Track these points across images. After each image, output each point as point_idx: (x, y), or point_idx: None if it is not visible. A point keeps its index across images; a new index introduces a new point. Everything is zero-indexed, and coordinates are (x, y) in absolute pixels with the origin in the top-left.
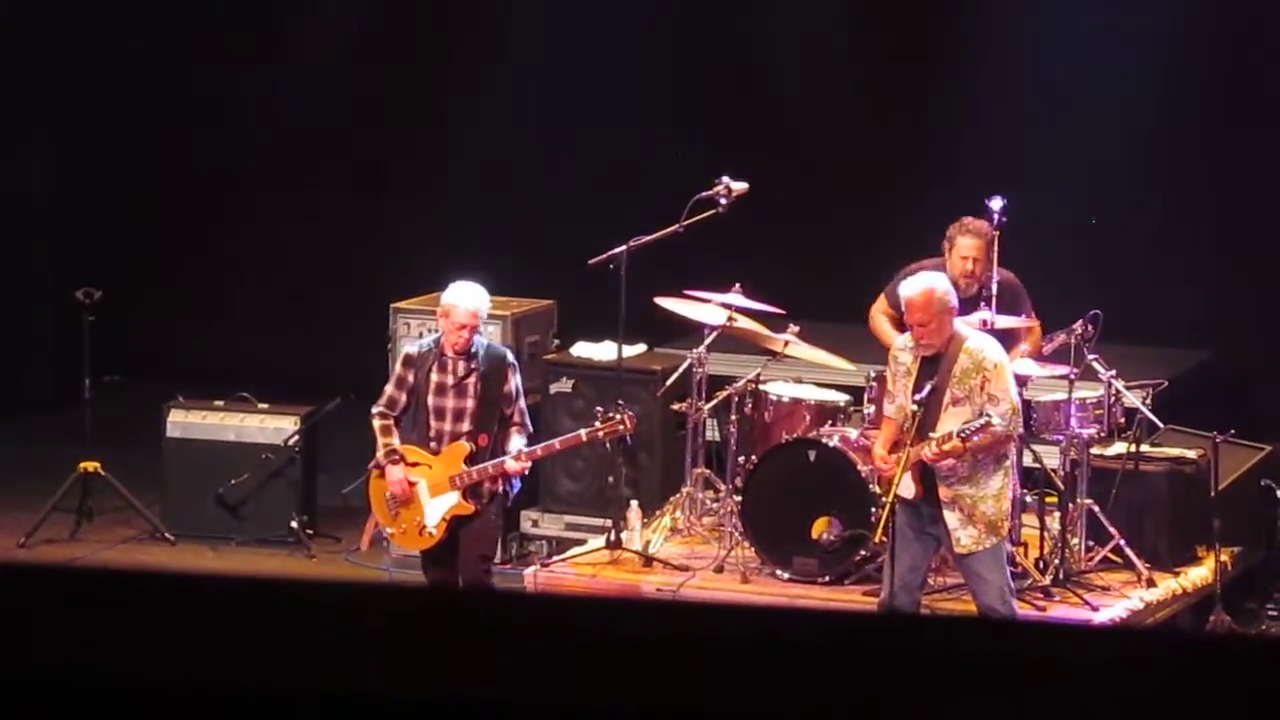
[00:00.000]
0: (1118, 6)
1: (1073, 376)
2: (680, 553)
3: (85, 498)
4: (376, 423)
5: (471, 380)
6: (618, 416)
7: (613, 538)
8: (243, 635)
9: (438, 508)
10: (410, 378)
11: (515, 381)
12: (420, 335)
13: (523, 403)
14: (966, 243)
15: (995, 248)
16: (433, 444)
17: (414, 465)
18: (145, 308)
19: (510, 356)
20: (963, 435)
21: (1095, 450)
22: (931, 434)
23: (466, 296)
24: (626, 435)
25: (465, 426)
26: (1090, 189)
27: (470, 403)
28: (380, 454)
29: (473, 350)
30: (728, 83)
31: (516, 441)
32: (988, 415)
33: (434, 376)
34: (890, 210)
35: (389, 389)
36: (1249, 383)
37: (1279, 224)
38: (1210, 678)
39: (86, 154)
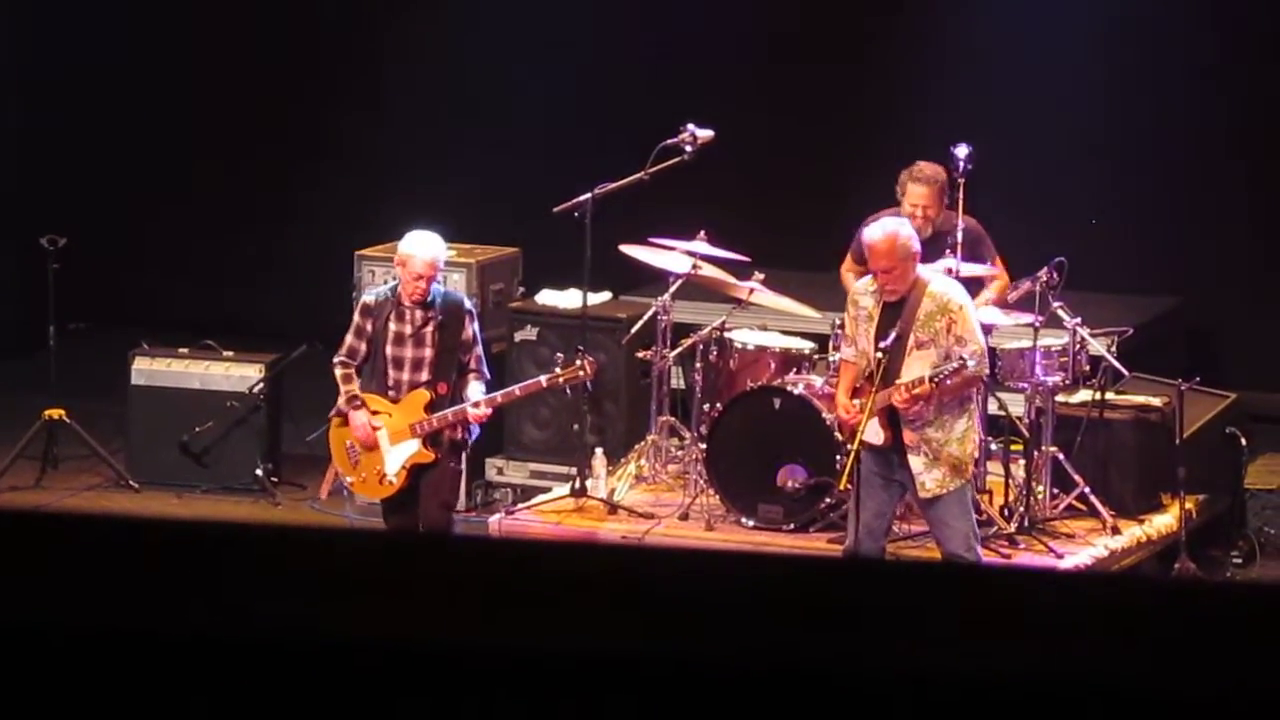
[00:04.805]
0: None
1: (1038, 324)
2: (645, 500)
3: (50, 445)
4: (338, 371)
5: (430, 329)
6: (578, 362)
7: (578, 485)
8: (206, 581)
9: (398, 456)
10: (369, 327)
11: (473, 328)
12: (385, 283)
13: (480, 349)
14: (916, 190)
15: (960, 194)
16: (391, 393)
17: (375, 413)
18: (110, 255)
19: (468, 303)
20: (935, 379)
21: (1060, 398)
22: (897, 379)
23: (424, 246)
24: (587, 380)
25: (424, 375)
26: (1054, 136)
27: (429, 351)
28: (342, 401)
29: (430, 299)
30: (694, 28)
31: (475, 388)
32: (961, 358)
33: (392, 326)
34: (855, 158)
35: (349, 338)
36: (1214, 330)
37: (1243, 170)
38: (1177, 623)
39: (51, 101)
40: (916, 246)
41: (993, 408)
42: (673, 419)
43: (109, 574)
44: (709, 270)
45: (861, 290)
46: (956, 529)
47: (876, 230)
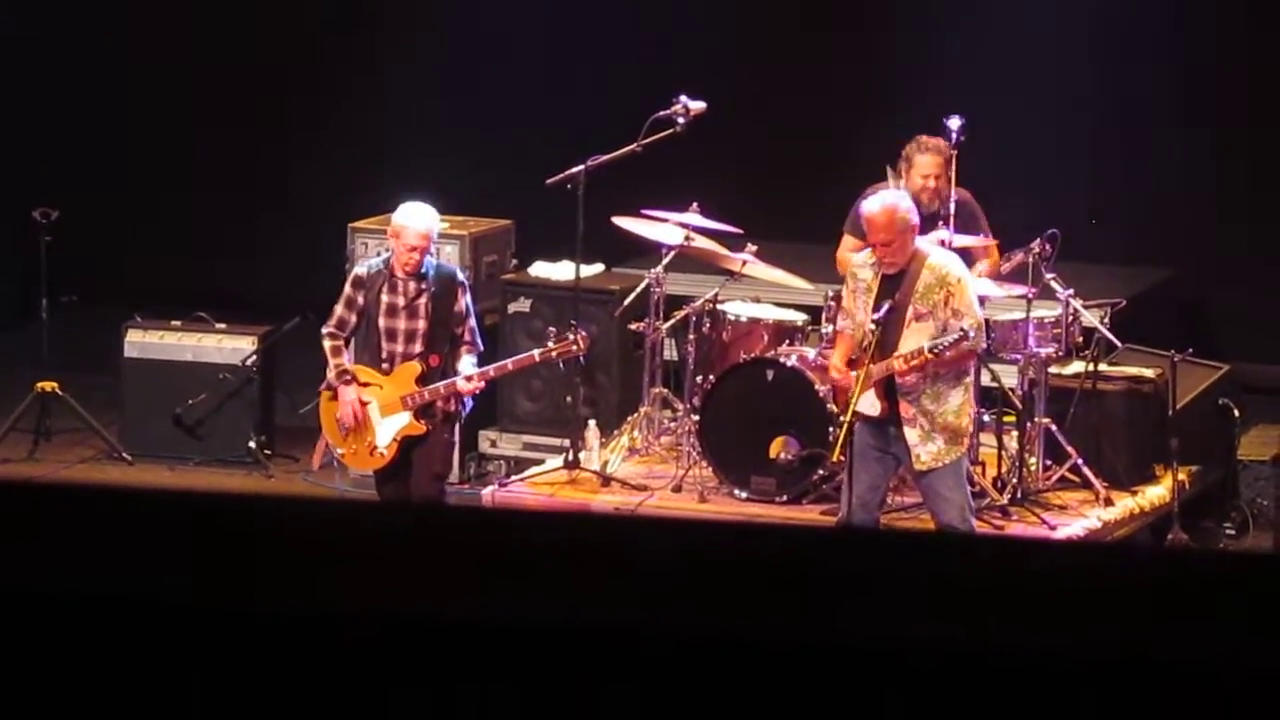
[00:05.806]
0: None
1: (1031, 295)
2: (638, 472)
3: (43, 418)
4: (327, 343)
5: (423, 301)
6: (571, 336)
7: (571, 457)
8: (199, 552)
9: (389, 428)
10: (359, 299)
11: (465, 300)
12: (378, 255)
13: (473, 321)
14: (925, 160)
15: (953, 166)
16: (384, 365)
17: (365, 385)
18: (103, 228)
19: (460, 275)
20: (935, 350)
21: (1053, 369)
22: (895, 351)
23: (418, 218)
24: (579, 355)
25: (417, 347)
26: (1049, 107)
27: (422, 323)
28: (331, 374)
29: (423, 271)
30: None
31: (467, 361)
32: (961, 329)
33: (384, 298)
34: (849, 130)
35: (338, 309)
36: (1207, 302)
37: (1236, 142)
38: (1169, 594)
39: (43, 73)
40: (915, 219)
41: (985, 379)
42: (665, 391)
43: (103, 545)
44: (702, 242)
45: (860, 263)
46: (951, 501)
47: (875, 203)
